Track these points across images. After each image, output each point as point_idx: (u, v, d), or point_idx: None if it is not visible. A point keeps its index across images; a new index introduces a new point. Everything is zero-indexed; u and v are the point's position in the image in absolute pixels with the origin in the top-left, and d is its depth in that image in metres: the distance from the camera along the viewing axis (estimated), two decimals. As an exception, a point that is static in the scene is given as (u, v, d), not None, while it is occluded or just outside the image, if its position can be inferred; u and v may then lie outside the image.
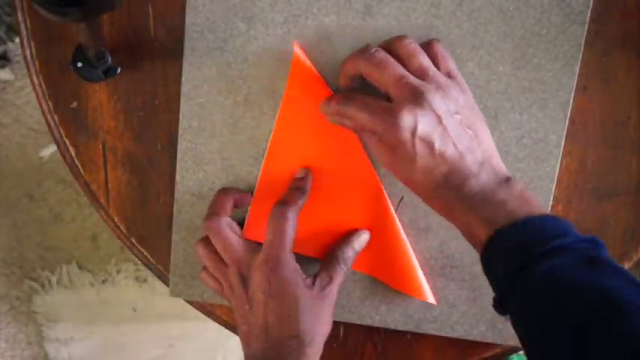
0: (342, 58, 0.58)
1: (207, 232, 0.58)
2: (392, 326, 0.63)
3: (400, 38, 0.53)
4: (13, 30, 1.25)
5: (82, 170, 0.62)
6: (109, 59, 0.58)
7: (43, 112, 0.62)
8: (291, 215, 0.56)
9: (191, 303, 0.65)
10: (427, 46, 0.53)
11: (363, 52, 0.52)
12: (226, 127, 0.60)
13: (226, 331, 0.66)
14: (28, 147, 1.29)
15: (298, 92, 0.58)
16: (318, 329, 0.56)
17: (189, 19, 0.59)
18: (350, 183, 0.60)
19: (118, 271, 1.31)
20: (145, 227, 0.63)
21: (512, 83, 0.59)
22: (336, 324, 0.63)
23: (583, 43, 0.58)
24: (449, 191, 0.49)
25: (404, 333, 0.64)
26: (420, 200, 0.52)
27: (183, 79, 0.59)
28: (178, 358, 1.32)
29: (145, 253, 0.64)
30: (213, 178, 0.61)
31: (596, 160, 0.61)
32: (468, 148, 0.50)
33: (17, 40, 1.23)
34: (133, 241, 0.63)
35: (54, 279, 1.32)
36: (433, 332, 0.63)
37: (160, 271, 0.64)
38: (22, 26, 0.60)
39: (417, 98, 0.49)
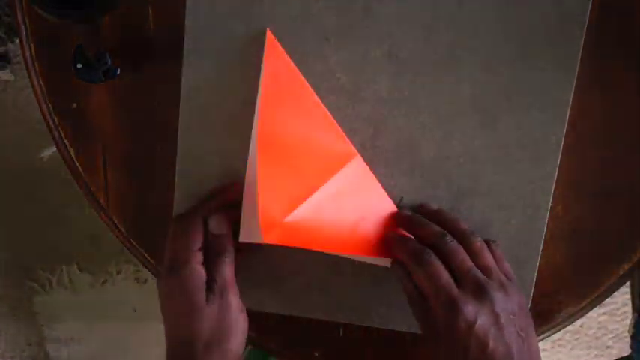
0: (341, 59, 0.58)
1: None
2: (392, 327, 0.63)
3: (470, 236, 0.55)
4: (13, 30, 1.25)
5: (81, 171, 0.62)
6: (109, 60, 0.58)
7: (43, 113, 0.62)
8: (196, 221, 0.56)
9: (191, 303, 0.65)
10: (490, 246, 0.56)
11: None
12: (226, 127, 0.60)
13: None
14: (28, 147, 1.29)
15: (274, 83, 0.57)
16: (220, 335, 0.55)
17: (188, 19, 0.59)
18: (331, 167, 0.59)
19: (118, 272, 1.32)
20: (145, 228, 0.63)
21: (512, 83, 0.59)
22: (336, 324, 0.63)
23: (582, 43, 0.58)
24: None
25: (404, 334, 0.64)
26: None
27: (183, 79, 0.59)
28: None
29: (145, 254, 0.64)
30: (213, 178, 0.61)
31: (596, 160, 0.61)
32: (518, 351, 0.50)
33: (17, 40, 1.23)
34: (133, 241, 0.63)
35: (54, 279, 1.32)
36: (433, 332, 0.63)
37: (160, 272, 0.64)
38: (22, 27, 0.60)
39: (481, 294, 0.51)
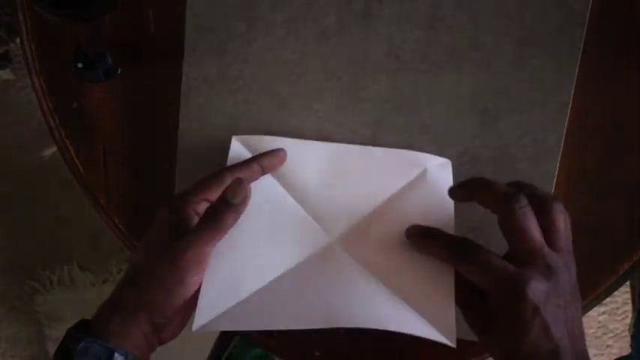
0: (341, 59, 0.58)
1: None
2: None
3: (557, 204, 0.49)
4: (13, 30, 1.25)
5: (82, 170, 0.62)
6: (109, 60, 0.58)
7: (43, 113, 0.62)
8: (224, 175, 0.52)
9: (191, 303, 0.65)
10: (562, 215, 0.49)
11: (514, 201, 0.47)
12: (226, 127, 0.60)
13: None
14: (29, 147, 1.29)
15: None
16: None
17: (189, 19, 0.59)
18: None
19: (119, 271, 1.32)
20: (145, 227, 0.63)
21: (512, 83, 0.59)
22: (336, 324, 0.63)
23: (583, 43, 0.58)
24: None
25: (404, 333, 0.64)
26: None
27: (183, 79, 0.59)
28: (178, 358, 1.32)
29: (145, 253, 0.64)
30: (214, 178, 0.61)
31: (596, 160, 0.61)
32: (575, 335, 0.47)
33: (18, 40, 1.23)
34: (133, 241, 0.63)
35: (55, 279, 1.32)
36: (433, 332, 0.63)
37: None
38: (23, 26, 0.60)
39: (550, 273, 0.47)
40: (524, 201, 0.47)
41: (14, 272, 1.35)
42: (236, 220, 0.50)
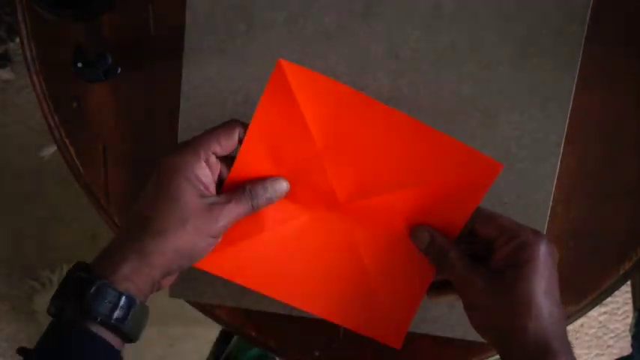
0: (341, 59, 0.58)
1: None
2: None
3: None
4: (13, 30, 1.25)
5: (82, 170, 0.62)
6: (109, 59, 0.58)
7: (43, 112, 0.62)
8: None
9: (191, 303, 0.65)
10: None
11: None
12: (226, 127, 0.60)
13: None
14: (29, 147, 1.29)
15: (270, 117, 0.50)
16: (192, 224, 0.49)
17: (189, 19, 0.59)
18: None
19: (119, 271, 1.31)
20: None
21: (512, 83, 0.59)
22: (335, 324, 0.63)
23: (583, 42, 0.58)
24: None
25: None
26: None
27: (183, 79, 0.59)
28: (178, 358, 1.32)
29: (145, 253, 0.64)
30: (213, 178, 0.61)
31: (596, 160, 0.61)
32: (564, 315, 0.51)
33: (18, 40, 1.23)
34: (133, 241, 0.63)
35: (54, 278, 1.32)
36: (433, 332, 0.63)
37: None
38: (23, 26, 0.60)
39: (543, 237, 0.51)
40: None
41: (14, 272, 1.35)
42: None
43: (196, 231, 0.48)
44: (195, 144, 0.49)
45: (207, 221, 0.49)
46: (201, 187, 0.49)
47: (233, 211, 0.50)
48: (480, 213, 0.52)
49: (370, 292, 0.55)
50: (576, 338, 1.40)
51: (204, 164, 0.49)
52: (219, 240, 0.51)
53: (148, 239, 0.48)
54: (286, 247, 0.54)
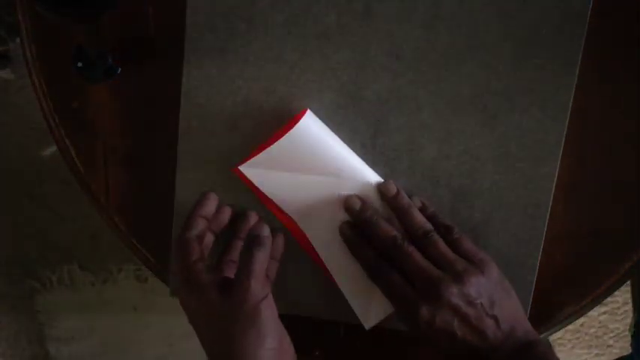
0: (341, 59, 0.58)
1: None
2: (392, 326, 0.63)
3: (424, 227, 0.57)
4: (13, 30, 1.25)
5: (82, 170, 0.62)
6: (109, 59, 0.58)
7: (43, 112, 0.62)
8: (192, 237, 0.56)
9: (191, 303, 0.65)
10: (450, 234, 0.57)
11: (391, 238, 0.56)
12: (226, 126, 0.60)
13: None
14: (28, 146, 1.29)
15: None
16: (257, 337, 0.52)
17: (189, 19, 0.59)
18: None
19: (119, 271, 1.32)
20: (145, 227, 0.63)
21: (512, 83, 0.59)
22: (336, 324, 0.63)
23: (583, 42, 0.58)
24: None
25: (403, 333, 0.64)
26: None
27: (183, 79, 0.59)
28: (179, 357, 1.32)
29: (145, 253, 0.64)
30: (213, 178, 0.61)
31: (596, 160, 0.61)
32: (490, 328, 0.53)
33: (18, 40, 1.23)
34: (133, 241, 0.63)
35: (55, 278, 1.32)
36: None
37: (160, 271, 0.64)
38: (23, 26, 0.60)
39: (434, 292, 0.53)
40: (382, 270, 0.56)
41: (14, 272, 1.35)
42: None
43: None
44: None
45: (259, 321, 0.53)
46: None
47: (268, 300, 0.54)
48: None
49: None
50: (576, 338, 1.40)
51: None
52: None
53: None
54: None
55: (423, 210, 0.58)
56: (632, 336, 0.87)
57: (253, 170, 0.59)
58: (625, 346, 1.38)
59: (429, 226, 0.56)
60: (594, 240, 0.62)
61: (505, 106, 0.59)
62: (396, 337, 0.64)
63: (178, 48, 0.59)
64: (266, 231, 0.57)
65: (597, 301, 0.63)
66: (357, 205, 0.58)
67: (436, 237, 0.56)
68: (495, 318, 0.53)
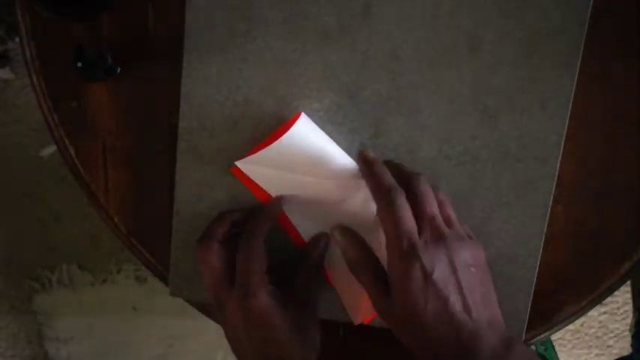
0: (341, 58, 0.58)
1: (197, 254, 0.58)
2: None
3: (432, 188, 0.53)
4: (13, 29, 1.25)
5: (81, 170, 0.62)
6: (109, 59, 0.58)
7: (42, 112, 0.62)
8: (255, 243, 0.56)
9: (191, 303, 0.65)
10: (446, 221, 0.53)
11: (388, 192, 0.51)
12: (226, 126, 0.60)
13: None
14: (28, 147, 1.29)
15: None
16: (306, 341, 0.56)
17: (189, 18, 0.59)
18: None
19: (118, 271, 1.32)
20: (145, 227, 0.63)
21: (512, 83, 0.59)
22: (336, 324, 0.63)
23: (583, 43, 0.58)
24: (458, 351, 0.47)
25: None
26: None
27: (183, 79, 0.59)
28: (178, 357, 1.32)
29: (145, 253, 0.64)
30: (213, 178, 0.61)
31: (596, 160, 0.61)
32: (481, 304, 0.49)
33: (17, 39, 1.23)
34: (133, 241, 0.63)
35: (54, 278, 1.32)
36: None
37: (160, 271, 0.64)
38: (22, 26, 0.60)
39: (440, 242, 0.49)
40: (399, 195, 0.51)
41: (14, 272, 1.35)
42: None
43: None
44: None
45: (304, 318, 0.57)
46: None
47: (315, 293, 0.58)
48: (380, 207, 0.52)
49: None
50: (576, 338, 1.40)
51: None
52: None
53: None
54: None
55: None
56: (632, 336, 0.88)
57: (250, 167, 0.59)
58: (625, 346, 1.38)
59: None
60: (594, 240, 0.62)
61: (505, 106, 0.59)
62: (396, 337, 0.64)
63: (178, 48, 0.59)
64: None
65: (597, 301, 0.63)
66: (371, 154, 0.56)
67: (448, 200, 0.55)
68: (484, 295, 0.50)
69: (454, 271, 0.49)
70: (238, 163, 0.59)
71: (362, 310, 0.60)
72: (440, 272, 0.48)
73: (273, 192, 0.59)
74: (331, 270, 0.60)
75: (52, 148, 1.26)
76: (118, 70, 0.59)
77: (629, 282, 0.89)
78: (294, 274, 0.58)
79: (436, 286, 0.48)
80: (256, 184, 0.59)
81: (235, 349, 0.57)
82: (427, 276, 0.48)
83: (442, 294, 0.48)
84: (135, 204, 0.63)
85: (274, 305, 0.54)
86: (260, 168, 0.59)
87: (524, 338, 0.62)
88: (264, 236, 0.56)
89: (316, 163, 0.56)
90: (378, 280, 0.51)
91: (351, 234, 0.55)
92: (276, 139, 0.56)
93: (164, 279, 0.64)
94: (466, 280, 0.49)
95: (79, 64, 0.58)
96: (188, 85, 0.59)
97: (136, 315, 1.32)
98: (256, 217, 0.57)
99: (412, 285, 0.48)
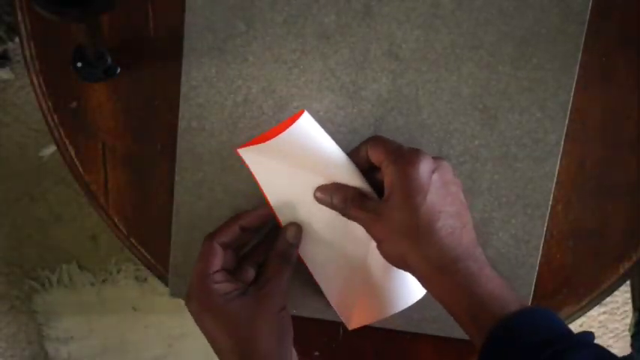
0: (341, 58, 0.58)
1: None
2: (392, 326, 0.63)
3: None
4: (13, 30, 1.25)
5: (81, 170, 0.62)
6: (109, 59, 0.58)
7: (42, 112, 0.62)
8: (212, 244, 0.56)
9: (191, 303, 0.65)
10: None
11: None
12: (226, 127, 0.60)
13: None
14: (28, 147, 1.29)
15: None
16: (260, 334, 0.54)
17: (188, 19, 0.58)
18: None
19: (118, 271, 1.31)
20: (145, 227, 0.63)
21: (512, 83, 0.59)
22: (335, 324, 0.63)
23: (583, 42, 0.58)
24: (455, 266, 0.50)
25: (404, 333, 0.64)
26: None
27: (182, 79, 0.59)
28: (178, 357, 1.32)
29: (145, 253, 0.64)
30: (213, 178, 0.61)
31: (596, 159, 0.61)
32: (469, 222, 0.53)
33: (17, 39, 1.23)
34: (133, 241, 0.63)
35: (54, 278, 1.32)
36: (433, 332, 0.63)
37: (160, 271, 0.64)
38: (22, 26, 0.60)
39: (435, 157, 0.53)
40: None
41: (13, 272, 1.35)
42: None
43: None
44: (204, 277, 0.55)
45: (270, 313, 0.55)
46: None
47: (277, 285, 0.56)
48: (371, 139, 0.55)
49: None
50: (576, 338, 1.39)
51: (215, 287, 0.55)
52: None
53: None
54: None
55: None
56: (632, 336, 0.88)
57: (250, 156, 0.58)
58: (625, 346, 1.38)
59: None
60: (594, 240, 0.62)
61: (505, 106, 0.59)
62: (396, 336, 0.64)
63: (178, 48, 0.59)
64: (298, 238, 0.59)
65: (597, 301, 0.63)
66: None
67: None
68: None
69: (454, 178, 0.53)
70: (240, 151, 0.58)
71: (355, 316, 0.60)
72: (439, 176, 0.51)
73: (268, 185, 0.58)
74: (322, 281, 0.60)
75: (52, 148, 1.26)
76: (118, 70, 0.59)
77: (628, 282, 0.89)
78: (263, 264, 0.58)
79: (437, 189, 0.51)
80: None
81: (217, 352, 0.57)
82: (427, 181, 0.51)
83: (444, 191, 0.51)
84: (135, 204, 0.63)
85: (211, 306, 0.54)
86: (259, 158, 0.58)
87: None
88: (223, 241, 0.56)
89: (315, 162, 0.56)
90: (369, 207, 0.54)
91: (327, 187, 0.57)
92: (279, 134, 0.55)
93: (164, 279, 0.64)
94: (461, 196, 0.53)
95: (79, 65, 0.58)
96: (187, 85, 0.59)
97: (136, 315, 1.32)
98: (226, 221, 0.58)
99: (416, 181, 0.51)
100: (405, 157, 0.51)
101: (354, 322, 0.60)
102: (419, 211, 0.50)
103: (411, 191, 0.51)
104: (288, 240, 0.58)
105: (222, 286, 0.55)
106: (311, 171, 0.57)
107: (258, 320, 0.54)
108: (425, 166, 0.51)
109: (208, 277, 0.55)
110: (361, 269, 0.59)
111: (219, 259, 0.56)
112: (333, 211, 0.57)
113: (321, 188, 0.57)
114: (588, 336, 0.48)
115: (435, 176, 0.51)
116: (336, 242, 0.59)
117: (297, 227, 0.58)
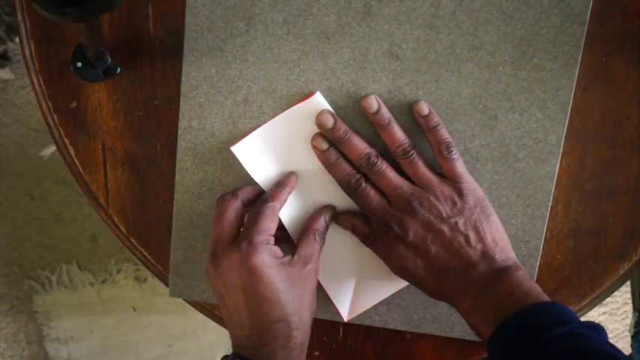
0: (341, 59, 0.58)
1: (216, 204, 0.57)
2: (392, 326, 0.63)
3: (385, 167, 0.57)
4: (12, 30, 1.25)
5: (81, 170, 0.62)
6: (109, 59, 0.58)
7: (42, 112, 0.62)
8: (236, 205, 0.56)
9: (191, 303, 0.65)
10: (444, 146, 0.56)
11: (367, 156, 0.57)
12: (226, 127, 0.60)
13: (226, 331, 0.66)
14: (28, 147, 1.29)
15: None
16: (303, 310, 0.55)
17: (188, 19, 0.58)
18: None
19: (118, 271, 1.31)
20: (145, 227, 0.63)
21: (512, 83, 0.59)
22: (335, 324, 0.63)
23: (583, 43, 0.58)
24: (454, 278, 0.54)
25: (404, 333, 0.64)
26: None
27: (183, 79, 0.59)
28: (178, 357, 1.32)
29: (145, 253, 0.64)
30: (213, 178, 0.61)
31: (596, 160, 0.61)
32: (464, 247, 0.54)
33: (17, 39, 1.23)
34: (133, 241, 0.63)
35: (54, 278, 1.32)
36: (433, 332, 0.63)
37: (160, 271, 0.64)
38: (22, 26, 0.60)
39: (408, 207, 0.55)
40: (357, 181, 0.57)
41: (13, 272, 1.35)
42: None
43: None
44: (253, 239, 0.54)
45: (305, 285, 0.56)
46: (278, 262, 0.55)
47: (315, 261, 0.57)
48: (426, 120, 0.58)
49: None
50: (576, 338, 1.39)
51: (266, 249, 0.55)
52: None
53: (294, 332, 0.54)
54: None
55: (428, 119, 0.57)
56: (632, 336, 0.88)
57: (244, 152, 0.59)
58: (625, 347, 1.38)
59: (408, 144, 0.57)
60: (594, 240, 0.62)
61: (505, 106, 0.59)
62: (396, 337, 0.64)
63: (178, 48, 0.59)
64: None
65: (597, 301, 0.63)
66: (330, 122, 0.58)
67: (415, 156, 0.56)
68: (467, 238, 0.54)
69: (430, 227, 0.55)
70: (233, 149, 0.59)
71: (351, 306, 0.61)
72: (414, 234, 0.55)
73: (264, 182, 0.59)
74: (320, 273, 0.60)
75: (52, 148, 1.26)
76: (118, 70, 0.59)
77: (628, 282, 0.89)
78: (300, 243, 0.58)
79: (416, 246, 0.55)
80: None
81: (226, 310, 0.55)
82: (403, 240, 0.55)
83: (424, 250, 0.55)
84: (134, 204, 0.63)
85: (274, 264, 0.54)
86: (254, 155, 0.59)
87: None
88: (280, 206, 0.57)
89: (306, 150, 0.58)
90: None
91: (334, 210, 0.60)
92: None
93: (164, 279, 0.64)
94: (447, 231, 0.55)
95: (79, 64, 0.58)
96: (188, 85, 0.59)
97: (136, 315, 1.32)
98: (276, 186, 0.58)
99: (397, 252, 0.56)
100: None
101: (351, 312, 0.61)
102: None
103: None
104: (326, 221, 0.59)
105: (277, 250, 0.55)
106: (306, 157, 0.59)
107: (305, 296, 0.55)
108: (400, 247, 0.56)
109: (270, 237, 0.55)
110: (355, 254, 0.61)
111: (276, 224, 0.56)
112: (326, 202, 0.59)
113: (329, 214, 0.60)
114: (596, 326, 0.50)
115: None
116: (331, 231, 0.60)
117: (333, 209, 0.60)
